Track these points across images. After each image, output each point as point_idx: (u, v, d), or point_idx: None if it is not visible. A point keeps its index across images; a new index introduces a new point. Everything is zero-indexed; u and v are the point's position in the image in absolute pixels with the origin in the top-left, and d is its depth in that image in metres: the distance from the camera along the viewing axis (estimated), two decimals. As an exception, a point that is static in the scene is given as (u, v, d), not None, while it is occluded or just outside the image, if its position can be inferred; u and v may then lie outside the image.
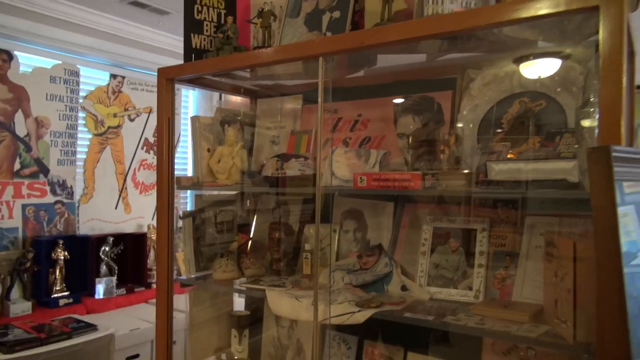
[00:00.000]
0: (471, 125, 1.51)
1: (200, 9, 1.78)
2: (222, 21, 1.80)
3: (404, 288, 1.50)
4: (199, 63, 1.71)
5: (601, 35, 1.01)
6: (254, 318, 1.90)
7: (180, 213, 1.86)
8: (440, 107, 1.58)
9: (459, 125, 1.53)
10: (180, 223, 1.90)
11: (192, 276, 1.85)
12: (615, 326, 0.77)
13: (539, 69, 1.43)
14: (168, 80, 1.72)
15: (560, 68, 1.36)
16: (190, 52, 1.76)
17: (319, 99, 1.43)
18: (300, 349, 1.79)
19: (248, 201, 2.03)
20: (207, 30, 1.79)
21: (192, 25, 1.77)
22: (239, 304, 2.08)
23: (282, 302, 1.51)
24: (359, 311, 1.36)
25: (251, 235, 1.96)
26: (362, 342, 1.69)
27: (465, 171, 1.36)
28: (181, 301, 1.88)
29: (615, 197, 0.78)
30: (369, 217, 1.74)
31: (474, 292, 1.43)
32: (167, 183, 1.72)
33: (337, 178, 1.52)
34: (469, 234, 1.50)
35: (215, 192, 2.02)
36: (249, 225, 2.00)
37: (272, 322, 1.87)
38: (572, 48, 1.34)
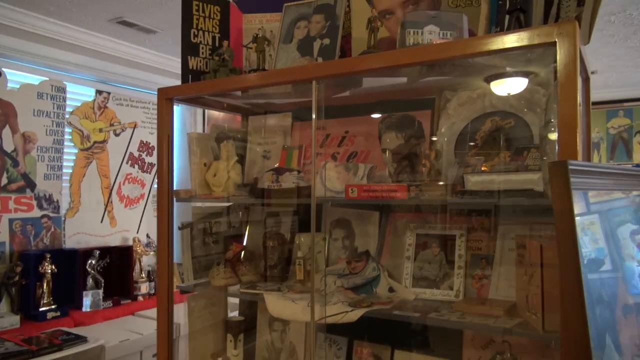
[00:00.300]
0: (446, 139, 1.68)
1: (196, 32, 1.90)
2: (217, 44, 1.91)
3: (391, 289, 1.64)
4: (198, 84, 1.82)
5: (558, 65, 1.18)
6: (248, 324, 2.00)
7: (179, 224, 1.95)
8: (421, 124, 1.73)
9: (434, 139, 1.69)
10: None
11: (190, 284, 1.95)
12: (575, 313, 0.91)
13: (508, 90, 1.60)
14: (168, 99, 1.83)
15: (526, 91, 1.54)
16: (187, 73, 1.88)
17: (313, 117, 1.57)
18: (293, 351, 1.90)
19: (241, 212, 2.14)
20: (202, 53, 1.91)
21: (188, 48, 1.89)
22: (232, 310, 2.18)
23: (280, 305, 1.62)
24: (352, 310, 1.49)
25: (244, 244, 2.06)
26: (351, 343, 1.81)
27: (444, 183, 1.52)
28: (175, 312, 1.96)
29: (572, 204, 0.93)
30: (357, 226, 1.87)
31: (454, 292, 1.58)
32: (167, 195, 1.81)
33: (329, 190, 1.66)
34: (449, 239, 1.66)
35: (200, 204, 2.11)
36: (242, 236, 2.11)
37: (265, 327, 1.98)
38: (536, 74, 1.52)
